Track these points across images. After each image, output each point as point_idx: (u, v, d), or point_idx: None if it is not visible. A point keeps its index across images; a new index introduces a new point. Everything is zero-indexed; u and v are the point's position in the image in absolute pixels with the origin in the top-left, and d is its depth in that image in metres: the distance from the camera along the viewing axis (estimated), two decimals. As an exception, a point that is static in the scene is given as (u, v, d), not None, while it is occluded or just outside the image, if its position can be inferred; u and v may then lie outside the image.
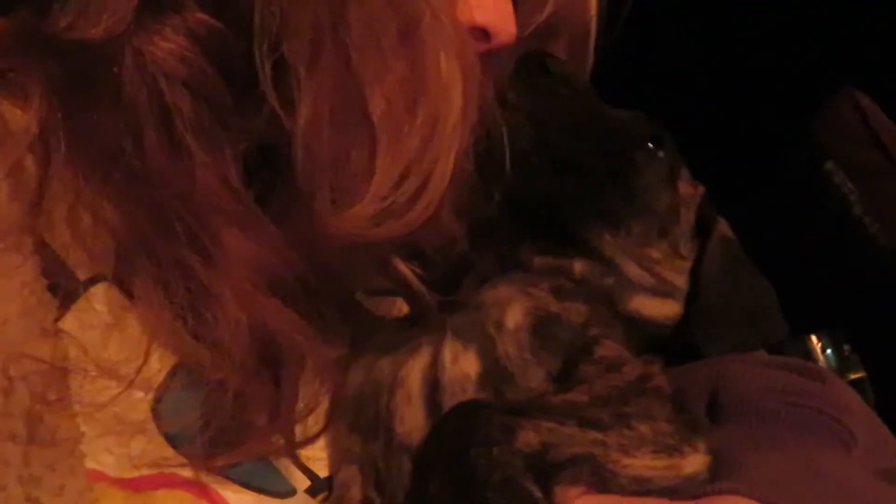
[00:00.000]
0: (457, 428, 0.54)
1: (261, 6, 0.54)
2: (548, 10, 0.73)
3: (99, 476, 0.54)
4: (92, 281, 0.57)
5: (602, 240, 0.65)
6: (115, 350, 0.56)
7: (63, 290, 0.56)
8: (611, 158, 0.66)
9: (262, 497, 0.60)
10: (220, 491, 0.58)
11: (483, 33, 0.64)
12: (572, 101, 0.68)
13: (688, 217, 0.69)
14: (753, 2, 1.29)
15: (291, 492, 0.61)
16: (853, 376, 1.05)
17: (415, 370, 0.62)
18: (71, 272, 0.57)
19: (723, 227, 0.71)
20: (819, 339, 1.05)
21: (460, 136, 0.58)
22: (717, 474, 0.58)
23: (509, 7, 0.66)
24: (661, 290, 0.67)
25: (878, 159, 1.33)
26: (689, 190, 0.70)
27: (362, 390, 0.63)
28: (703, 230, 0.70)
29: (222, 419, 0.57)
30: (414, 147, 0.56)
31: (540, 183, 0.65)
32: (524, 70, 0.67)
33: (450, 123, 0.57)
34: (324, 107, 0.55)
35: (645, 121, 0.69)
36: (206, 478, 0.58)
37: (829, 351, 1.04)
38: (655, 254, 0.67)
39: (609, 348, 0.61)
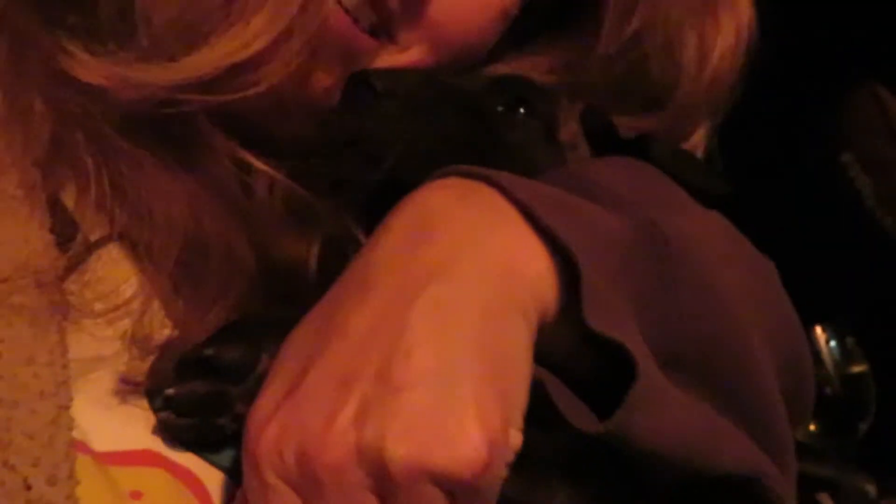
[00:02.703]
0: None
1: None
2: (634, 23, 0.68)
3: (82, 448, 0.53)
4: (102, 241, 0.57)
5: None
6: (114, 308, 0.56)
7: (73, 249, 0.56)
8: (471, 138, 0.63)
9: None
10: (200, 477, 0.57)
11: None
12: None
13: (579, 154, 0.67)
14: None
15: None
16: (856, 368, 1.06)
17: None
18: (82, 232, 0.57)
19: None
20: (824, 331, 1.05)
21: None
22: None
23: None
24: None
25: (894, 153, 1.33)
26: (571, 130, 0.67)
27: None
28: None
29: None
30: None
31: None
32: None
33: None
34: None
35: (505, 87, 0.66)
36: (188, 462, 0.56)
37: (832, 342, 1.05)
38: None
39: None
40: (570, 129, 0.67)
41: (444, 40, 0.62)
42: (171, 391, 0.54)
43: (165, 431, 0.55)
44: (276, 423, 0.45)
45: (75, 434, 0.52)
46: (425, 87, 0.60)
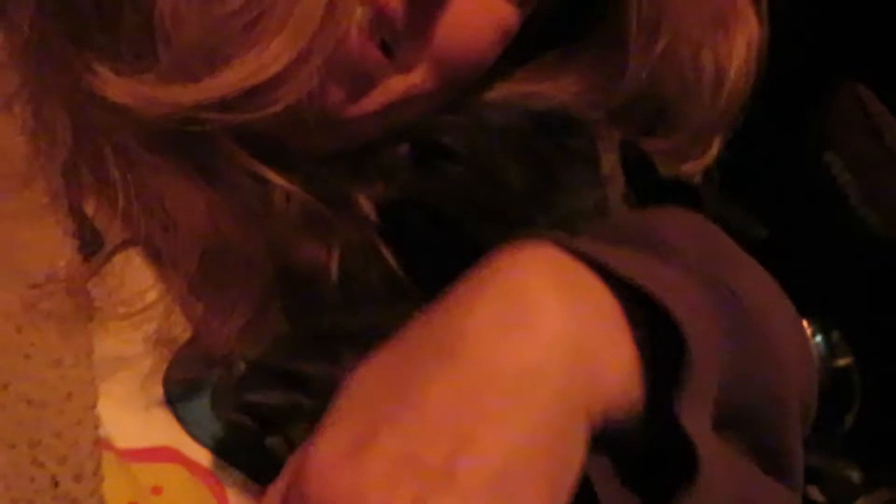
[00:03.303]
0: None
1: None
2: (661, 43, 0.69)
3: (106, 445, 0.55)
4: (124, 246, 0.60)
5: None
6: (138, 311, 0.58)
7: (96, 255, 0.58)
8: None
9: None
10: (216, 474, 0.59)
11: None
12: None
13: (615, 190, 0.68)
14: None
15: None
16: (841, 362, 1.08)
17: None
18: (105, 239, 0.59)
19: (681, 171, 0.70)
20: (810, 325, 1.07)
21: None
22: None
23: None
24: None
25: (877, 151, 1.35)
26: (610, 164, 0.68)
27: None
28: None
29: None
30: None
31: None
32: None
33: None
34: None
35: (550, 123, 0.67)
36: (204, 459, 0.59)
37: (818, 337, 1.07)
38: None
39: None
40: (609, 160, 0.68)
41: (446, 60, 0.63)
42: (255, 397, 0.55)
43: (233, 433, 0.57)
44: (335, 477, 0.45)
45: (100, 432, 0.55)
46: (487, 139, 0.62)
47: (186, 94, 0.55)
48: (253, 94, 0.56)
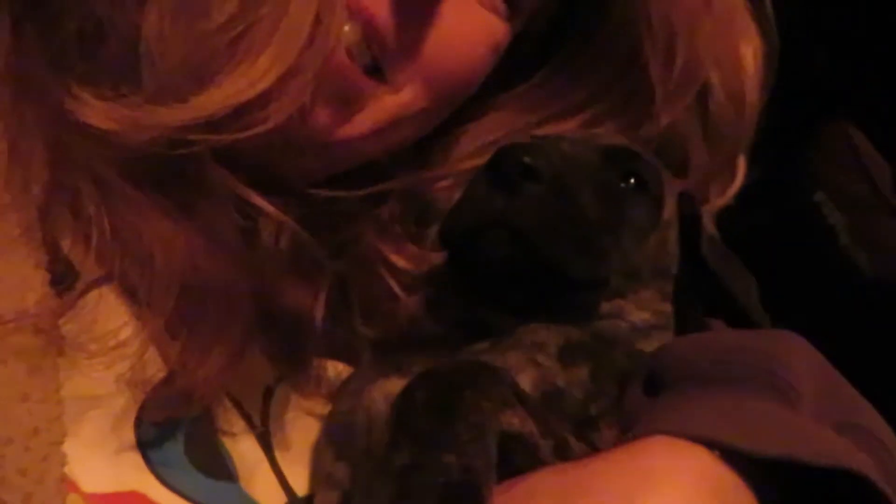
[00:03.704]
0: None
1: None
2: (703, 74, 0.69)
3: (72, 487, 0.53)
4: (98, 283, 0.58)
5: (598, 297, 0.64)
6: (110, 349, 0.57)
7: (69, 290, 0.56)
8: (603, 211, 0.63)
9: None
10: None
11: None
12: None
13: (673, 235, 0.68)
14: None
15: None
16: None
17: None
18: (80, 275, 0.57)
19: (707, 224, 0.69)
20: None
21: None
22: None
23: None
24: (659, 325, 0.66)
25: (866, 192, 1.35)
26: (671, 208, 0.68)
27: (352, 419, 0.62)
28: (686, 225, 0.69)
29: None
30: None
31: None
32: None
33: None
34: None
35: (618, 159, 0.66)
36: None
37: None
38: (648, 293, 0.66)
39: (605, 435, 0.59)
40: (671, 205, 0.68)
41: (436, 77, 0.63)
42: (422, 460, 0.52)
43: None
44: None
45: (67, 470, 0.53)
46: (564, 165, 0.61)
47: (173, 115, 0.54)
48: (241, 113, 0.55)
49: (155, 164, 0.57)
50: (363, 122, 0.61)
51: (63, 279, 0.56)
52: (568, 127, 0.71)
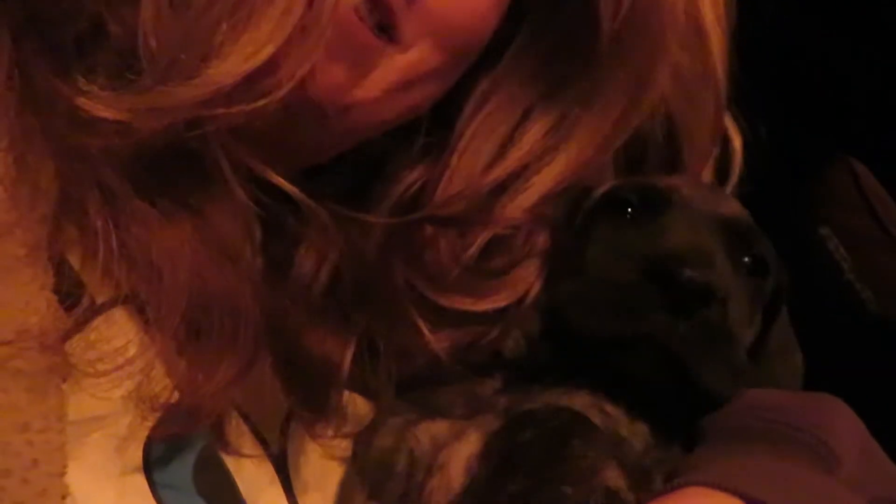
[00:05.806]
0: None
1: None
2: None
3: None
4: (109, 304, 0.57)
5: None
6: (117, 367, 0.56)
7: (77, 311, 0.56)
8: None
9: None
10: None
11: None
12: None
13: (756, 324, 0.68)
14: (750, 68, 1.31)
15: None
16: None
17: (459, 457, 0.59)
18: (88, 294, 0.57)
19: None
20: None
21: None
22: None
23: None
24: None
25: (871, 228, 1.34)
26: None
27: (392, 458, 0.62)
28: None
29: None
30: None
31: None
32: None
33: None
34: None
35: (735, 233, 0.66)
36: None
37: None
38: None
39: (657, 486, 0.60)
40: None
41: (445, 32, 0.62)
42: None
43: None
44: None
45: (68, 502, 0.52)
46: (721, 279, 0.61)
47: (183, 93, 0.53)
48: (253, 81, 0.54)
49: (164, 167, 0.57)
50: (376, 83, 0.61)
51: (69, 297, 0.56)
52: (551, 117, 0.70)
